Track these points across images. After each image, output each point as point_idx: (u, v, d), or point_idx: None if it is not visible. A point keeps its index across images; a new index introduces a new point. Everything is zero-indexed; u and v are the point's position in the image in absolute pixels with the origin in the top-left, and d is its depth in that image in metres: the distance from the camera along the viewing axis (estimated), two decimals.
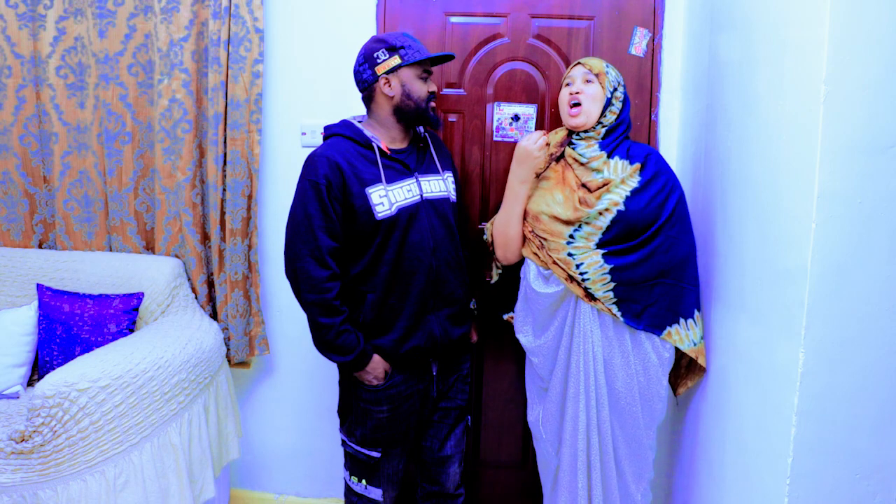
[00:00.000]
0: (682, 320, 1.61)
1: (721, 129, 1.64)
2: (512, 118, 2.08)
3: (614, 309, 1.59)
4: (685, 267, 1.61)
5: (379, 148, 1.59)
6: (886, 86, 1.11)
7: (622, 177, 1.60)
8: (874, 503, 1.21)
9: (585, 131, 1.64)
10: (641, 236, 1.57)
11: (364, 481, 1.69)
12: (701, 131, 1.80)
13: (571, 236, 1.60)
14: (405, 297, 1.59)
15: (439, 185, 1.66)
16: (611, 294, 1.58)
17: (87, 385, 1.51)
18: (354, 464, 1.70)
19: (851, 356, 1.17)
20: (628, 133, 1.70)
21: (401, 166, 1.61)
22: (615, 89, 1.64)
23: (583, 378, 1.64)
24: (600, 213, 1.57)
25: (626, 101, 1.67)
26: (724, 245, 1.58)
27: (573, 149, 1.66)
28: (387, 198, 1.55)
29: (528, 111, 2.07)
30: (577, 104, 1.62)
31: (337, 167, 1.53)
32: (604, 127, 1.63)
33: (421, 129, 1.71)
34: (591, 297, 1.59)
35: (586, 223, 1.59)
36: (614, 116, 1.64)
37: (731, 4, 1.61)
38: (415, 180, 1.61)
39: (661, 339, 1.60)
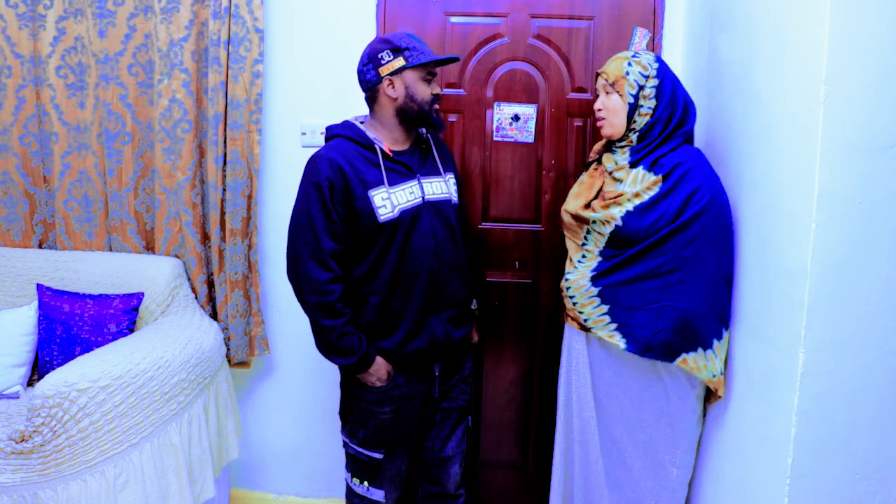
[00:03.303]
0: (700, 350, 1.47)
1: (721, 129, 1.64)
2: (512, 118, 2.08)
3: (617, 337, 1.51)
4: (706, 291, 1.45)
5: (381, 150, 1.58)
6: (886, 86, 1.11)
7: (636, 190, 1.50)
8: (874, 503, 1.21)
9: (620, 140, 1.56)
10: (634, 248, 1.48)
11: (366, 483, 1.69)
12: (701, 131, 1.80)
13: (586, 238, 1.58)
14: (407, 299, 1.58)
15: (441, 187, 1.65)
16: (606, 318, 1.52)
17: (87, 385, 1.51)
18: (356, 465, 1.69)
19: (851, 356, 1.17)
20: (672, 129, 1.51)
21: (403, 168, 1.60)
22: (641, 88, 1.50)
23: (568, 389, 1.68)
24: (603, 223, 1.53)
25: (663, 94, 1.50)
26: None
27: (612, 155, 1.58)
28: (389, 200, 1.55)
29: (528, 111, 2.07)
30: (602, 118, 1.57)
31: (339, 169, 1.52)
32: (635, 132, 1.53)
33: (423, 130, 1.71)
34: (584, 327, 1.58)
35: (594, 230, 1.56)
36: (646, 118, 1.51)
37: (731, 4, 1.61)
38: (417, 182, 1.61)
39: (677, 365, 1.49)
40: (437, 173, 1.67)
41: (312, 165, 1.54)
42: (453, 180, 1.71)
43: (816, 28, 1.14)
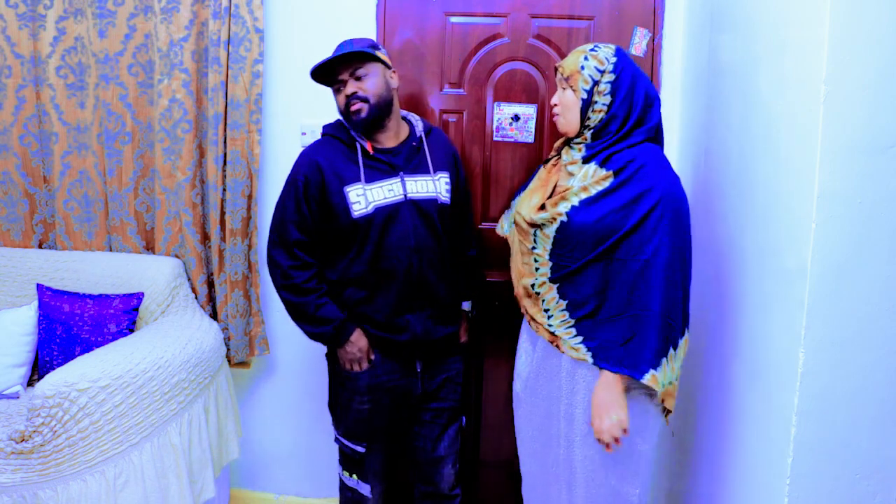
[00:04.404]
0: (662, 360, 1.35)
1: (721, 130, 1.64)
2: (512, 118, 2.08)
3: (582, 350, 1.41)
4: (666, 296, 1.34)
5: (363, 147, 1.61)
6: (886, 86, 1.11)
7: (584, 184, 1.41)
8: (874, 503, 1.21)
9: (575, 137, 1.48)
10: (592, 253, 1.39)
11: (355, 476, 1.74)
12: (701, 131, 1.81)
13: (534, 241, 1.48)
14: (385, 295, 1.61)
15: (427, 186, 1.64)
16: (573, 331, 1.42)
17: (87, 385, 1.51)
18: (344, 457, 1.75)
19: (851, 356, 1.17)
20: (630, 126, 1.41)
21: (385, 166, 1.61)
22: (596, 83, 1.41)
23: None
24: (550, 221, 1.43)
25: (619, 90, 1.40)
26: (724, 245, 1.58)
27: (570, 149, 1.51)
28: (364, 196, 1.57)
29: (528, 111, 2.07)
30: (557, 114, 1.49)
31: (317, 166, 1.59)
32: (589, 129, 1.44)
33: (417, 129, 1.69)
34: (553, 334, 1.46)
35: (541, 230, 1.46)
36: (601, 114, 1.42)
37: (732, 4, 1.61)
38: (399, 180, 1.61)
39: (646, 382, 1.34)
40: (425, 172, 1.65)
41: (296, 162, 1.65)
42: (446, 180, 1.68)
43: (816, 28, 1.14)
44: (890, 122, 1.11)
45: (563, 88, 1.47)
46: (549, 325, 1.47)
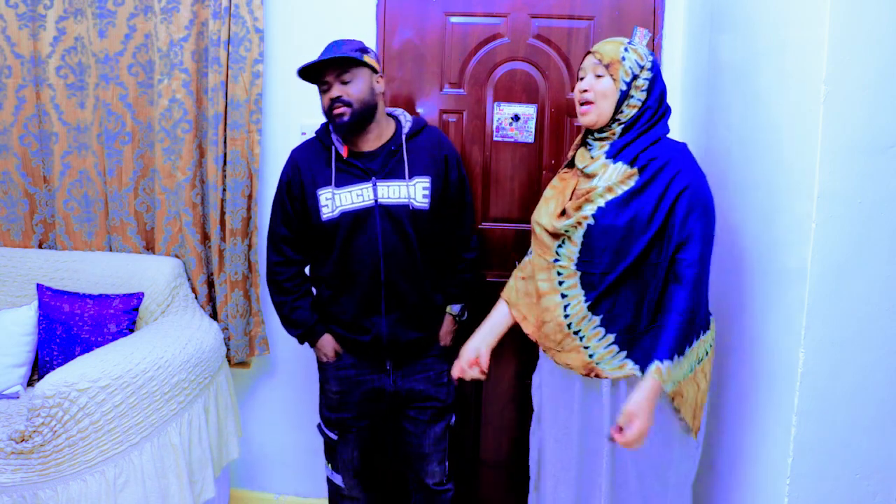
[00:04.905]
0: (675, 357, 1.30)
1: (721, 130, 1.64)
2: (512, 118, 2.08)
3: (629, 366, 1.34)
4: (694, 292, 1.30)
5: (336, 151, 1.63)
6: (886, 86, 1.11)
7: (609, 184, 1.36)
8: (874, 503, 1.21)
9: (601, 130, 1.42)
10: (624, 260, 1.34)
11: (330, 465, 1.81)
12: (701, 131, 1.81)
13: (557, 252, 1.42)
14: (350, 297, 1.65)
15: (400, 192, 1.62)
16: (615, 348, 1.35)
17: (87, 385, 1.51)
18: (325, 444, 1.82)
19: (851, 356, 1.17)
20: (655, 121, 1.40)
21: (358, 171, 1.62)
22: (635, 77, 1.37)
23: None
24: (575, 225, 1.37)
25: (654, 90, 1.40)
26: (724, 245, 1.58)
27: (588, 150, 1.45)
28: (332, 200, 1.61)
29: (528, 111, 2.07)
30: (587, 102, 1.41)
31: (296, 167, 1.66)
32: (620, 124, 1.39)
33: (403, 130, 1.68)
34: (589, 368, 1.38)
35: (567, 237, 1.40)
36: (634, 111, 1.38)
37: (732, 4, 1.61)
38: (371, 185, 1.61)
39: (651, 375, 1.29)
40: (400, 177, 1.63)
41: (286, 161, 1.72)
42: (424, 185, 1.64)
43: (816, 28, 1.14)
44: (890, 122, 1.11)
45: (599, 76, 1.40)
46: (586, 348, 1.39)
